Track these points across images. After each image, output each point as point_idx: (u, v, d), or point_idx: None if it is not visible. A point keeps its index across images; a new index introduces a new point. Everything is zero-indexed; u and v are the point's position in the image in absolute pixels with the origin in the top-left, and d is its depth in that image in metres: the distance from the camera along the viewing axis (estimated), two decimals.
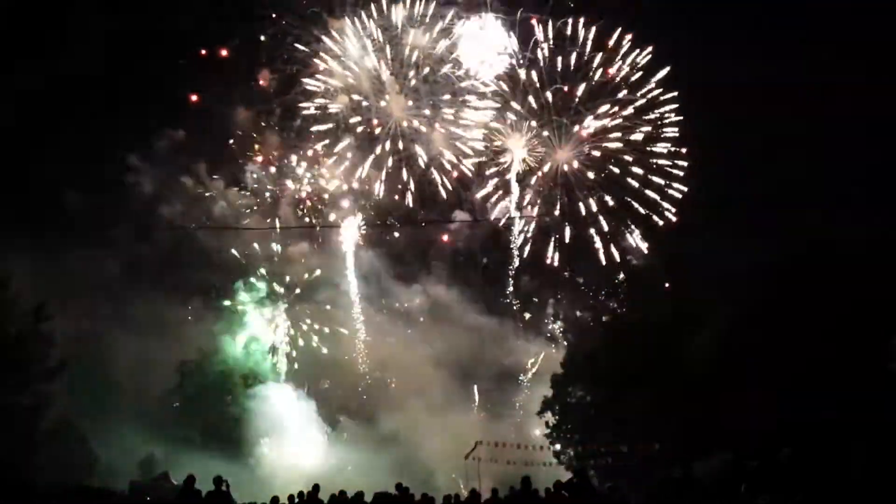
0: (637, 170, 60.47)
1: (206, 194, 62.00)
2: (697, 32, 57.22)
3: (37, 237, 47.19)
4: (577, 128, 60.70)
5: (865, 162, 47.46)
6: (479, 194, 62.81)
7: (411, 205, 63.12)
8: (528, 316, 65.29)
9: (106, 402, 50.54)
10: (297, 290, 62.10)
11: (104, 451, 47.73)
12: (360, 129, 61.97)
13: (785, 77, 52.17)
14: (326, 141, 62.27)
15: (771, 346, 36.24)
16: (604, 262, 62.45)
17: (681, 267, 54.15)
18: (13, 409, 38.47)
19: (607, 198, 61.33)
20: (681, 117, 59.38)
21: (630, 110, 59.97)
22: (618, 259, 62.27)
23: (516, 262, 63.67)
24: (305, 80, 60.85)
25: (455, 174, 61.96)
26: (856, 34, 49.16)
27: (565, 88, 59.69)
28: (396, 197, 63.04)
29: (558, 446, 49.39)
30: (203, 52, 60.41)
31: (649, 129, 59.98)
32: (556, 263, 63.49)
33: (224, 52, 60.41)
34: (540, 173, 61.94)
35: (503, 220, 63.29)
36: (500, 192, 62.90)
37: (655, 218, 60.72)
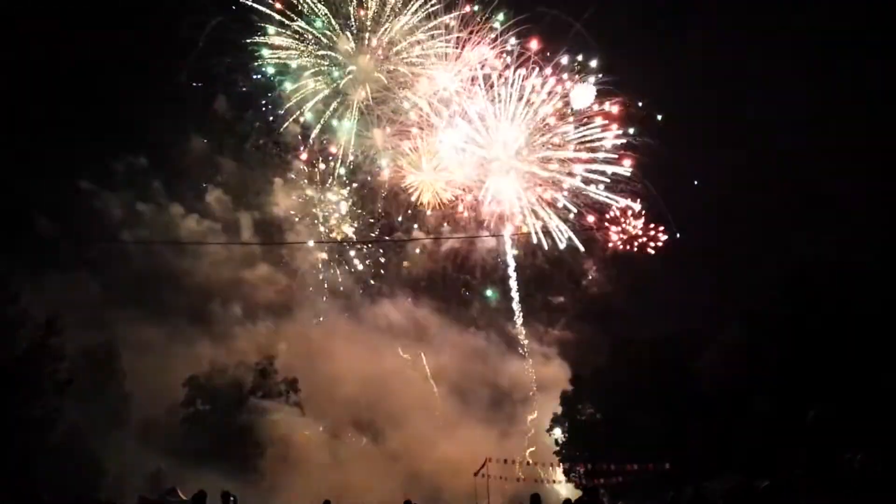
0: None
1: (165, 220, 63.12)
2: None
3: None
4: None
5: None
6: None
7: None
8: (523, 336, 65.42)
9: (115, 416, 50.83)
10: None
11: (112, 465, 47.72)
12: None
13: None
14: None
15: (782, 364, 36.10)
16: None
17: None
18: (23, 422, 38.53)
19: None
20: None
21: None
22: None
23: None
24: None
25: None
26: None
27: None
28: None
29: (568, 463, 49.10)
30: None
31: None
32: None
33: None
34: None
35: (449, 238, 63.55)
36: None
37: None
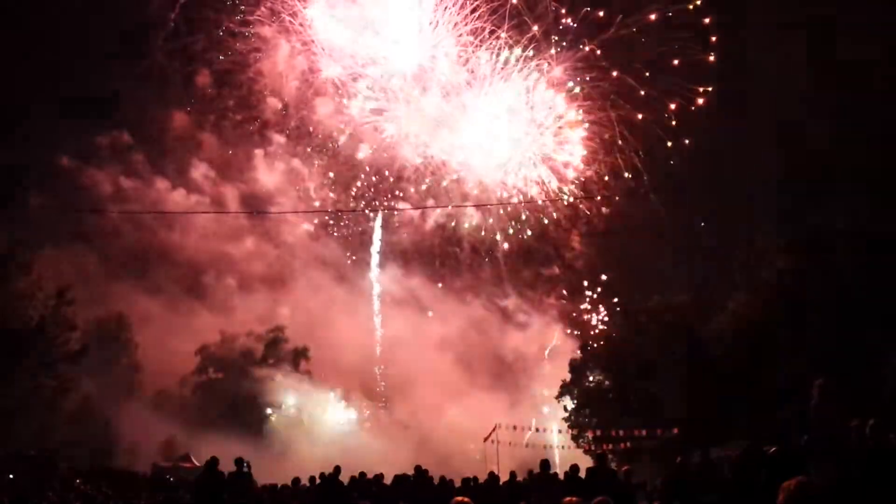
0: None
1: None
2: None
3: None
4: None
5: None
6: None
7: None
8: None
9: (127, 386, 51.43)
10: None
11: (126, 434, 48.33)
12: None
13: None
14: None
15: (791, 331, 36.01)
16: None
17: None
18: (37, 391, 39.00)
19: None
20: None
21: None
22: None
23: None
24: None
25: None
26: None
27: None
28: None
29: (576, 430, 49.46)
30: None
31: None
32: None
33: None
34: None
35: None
36: None
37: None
